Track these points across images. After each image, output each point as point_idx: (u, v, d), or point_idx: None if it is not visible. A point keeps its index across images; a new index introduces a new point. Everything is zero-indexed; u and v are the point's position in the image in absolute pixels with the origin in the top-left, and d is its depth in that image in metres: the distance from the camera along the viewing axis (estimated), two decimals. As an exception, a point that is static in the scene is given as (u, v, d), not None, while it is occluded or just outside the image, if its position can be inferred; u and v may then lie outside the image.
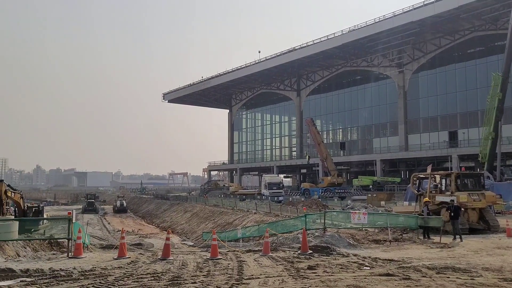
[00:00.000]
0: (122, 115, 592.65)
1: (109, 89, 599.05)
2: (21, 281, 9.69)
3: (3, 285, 9.18)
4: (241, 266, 11.69)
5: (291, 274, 10.45)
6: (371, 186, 61.04)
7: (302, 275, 10.30)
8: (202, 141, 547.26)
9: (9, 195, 25.08)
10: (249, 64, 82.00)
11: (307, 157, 70.06)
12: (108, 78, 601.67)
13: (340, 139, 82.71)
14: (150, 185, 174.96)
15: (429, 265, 11.61)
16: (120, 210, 70.25)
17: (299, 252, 14.22)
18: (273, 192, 57.36)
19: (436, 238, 18.02)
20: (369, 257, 13.40)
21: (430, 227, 18.95)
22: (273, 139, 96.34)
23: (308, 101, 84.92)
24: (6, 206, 25.26)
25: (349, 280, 9.78)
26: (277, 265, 11.93)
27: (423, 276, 10.17)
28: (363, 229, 19.99)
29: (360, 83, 76.34)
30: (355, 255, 13.79)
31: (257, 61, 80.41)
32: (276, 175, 76.52)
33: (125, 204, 73.67)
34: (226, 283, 9.48)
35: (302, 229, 16.13)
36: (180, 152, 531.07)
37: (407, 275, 10.21)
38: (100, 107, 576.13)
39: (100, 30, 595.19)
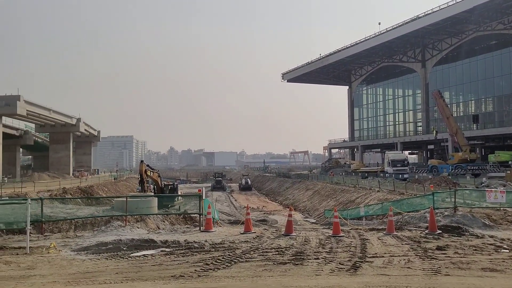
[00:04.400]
0: (244, 99, 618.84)
1: (232, 74, 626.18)
2: (161, 250, 10.83)
3: (147, 254, 10.37)
4: (364, 244, 11.53)
5: (417, 254, 10.03)
6: (510, 162, 55.19)
7: (430, 256, 9.82)
8: (321, 120, 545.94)
9: (149, 174, 27.94)
10: (368, 38, 78.76)
11: (434, 132, 65.69)
12: (232, 64, 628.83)
13: (473, 111, 75.69)
14: (272, 164, 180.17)
15: None
16: (245, 188, 73.76)
17: (426, 231, 13.54)
18: (397, 170, 55.19)
19: None
20: (508, 239, 12.24)
21: None
22: (396, 114, 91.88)
23: (434, 72, 79.04)
24: (146, 184, 28.26)
25: (485, 262, 9.08)
26: (402, 244, 11.53)
27: None
28: (501, 208, 18.26)
29: (496, 48, 68.53)
30: (491, 236, 12.70)
31: (377, 34, 76.82)
32: (400, 151, 73.34)
33: (249, 182, 77.13)
34: (349, 260, 9.45)
35: (429, 208, 15.28)
36: (300, 131, 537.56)
37: (554, 260, 9.14)
38: (225, 92, 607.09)
39: (222, 16, 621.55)
